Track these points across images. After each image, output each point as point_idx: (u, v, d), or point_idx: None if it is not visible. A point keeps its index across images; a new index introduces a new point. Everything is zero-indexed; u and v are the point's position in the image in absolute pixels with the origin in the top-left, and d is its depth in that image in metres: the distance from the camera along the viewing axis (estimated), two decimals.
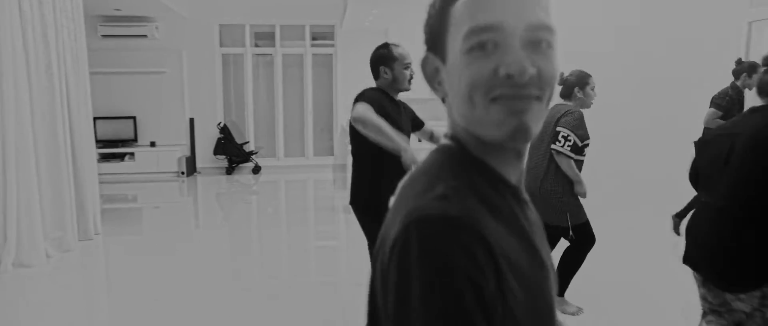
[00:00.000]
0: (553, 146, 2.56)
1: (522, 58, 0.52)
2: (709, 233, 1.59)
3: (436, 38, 0.59)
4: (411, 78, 2.23)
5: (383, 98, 2.18)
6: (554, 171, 2.60)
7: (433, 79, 0.62)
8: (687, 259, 1.71)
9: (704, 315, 1.70)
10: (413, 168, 0.62)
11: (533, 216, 0.62)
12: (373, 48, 2.32)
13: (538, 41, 0.53)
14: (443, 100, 0.63)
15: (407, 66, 2.23)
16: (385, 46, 2.25)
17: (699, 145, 1.74)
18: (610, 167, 4.85)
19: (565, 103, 2.73)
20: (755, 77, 3.33)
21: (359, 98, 2.14)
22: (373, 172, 2.21)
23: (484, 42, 0.53)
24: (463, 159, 0.58)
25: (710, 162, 1.63)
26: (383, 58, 2.22)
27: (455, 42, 0.55)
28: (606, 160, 4.56)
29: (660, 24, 5.33)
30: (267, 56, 8.48)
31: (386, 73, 2.21)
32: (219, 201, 6.59)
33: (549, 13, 0.54)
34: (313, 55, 8.46)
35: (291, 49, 8.46)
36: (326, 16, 8.25)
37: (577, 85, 2.68)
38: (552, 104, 2.63)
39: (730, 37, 5.63)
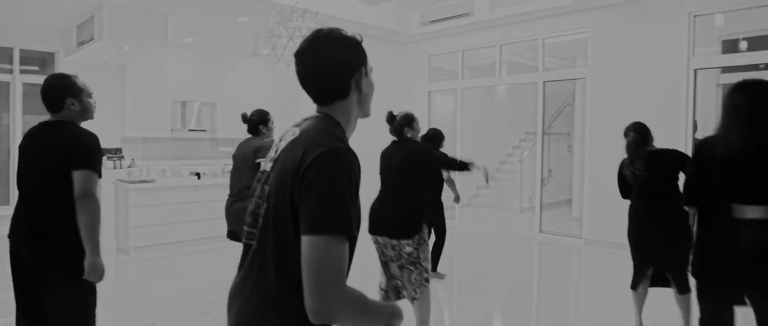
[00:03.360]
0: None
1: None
2: (390, 208, 3.02)
3: (361, 79, 1.22)
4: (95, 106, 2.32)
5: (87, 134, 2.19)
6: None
7: (358, 86, 1.22)
8: (372, 231, 3.03)
9: (384, 265, 3.08)
10: (304, 126, 1.17)
11: None
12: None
13: None
14: (340, 100, 1.21)
15: (91, 95, 2.27)
16: (66, 77, 2.23)
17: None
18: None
19: (253, 137, 3.65)
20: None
21: (84, 159, 2.08)
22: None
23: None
24: (336, 126, 1.18)
25: (384, 169, 3.14)
26: (68, 90, 2.19)
27: (366, 77, 1.22)
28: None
29: None
30: None
31: (74, 105, 2.20)
32: None
33: None
34: (25, 84, 7.57)
35: None
36: (44, 42, 7.61)
37: (260, 122, 3.74)
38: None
39: (418, 104, 8.29)
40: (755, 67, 6.23)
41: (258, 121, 3.62)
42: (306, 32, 4.65)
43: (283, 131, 1.25)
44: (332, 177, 1.03)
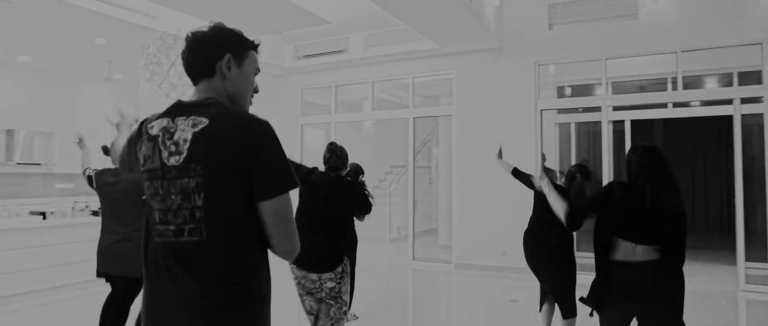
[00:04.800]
0: None
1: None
2: (312, 242, 2.83)
3: (212, 64, 1.41)
4: None
5: None
6: None
7: (222, 70, 1.43)
8: (298, 262, 2.94)
9: (301, 296, 3.00)
10: (211, 113, 1.32)
11: None
12: None
13: None
14: (207, 79, 1.41)
15: None
16: None
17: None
18: None
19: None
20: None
21: None
22: None
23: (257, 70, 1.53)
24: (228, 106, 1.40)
25: (310, 194, 3.07)
26: None
27: (250, 67, 1.48)
28: None
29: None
30: None
31: None
32: None
33: None
34: None
35: None
36: None
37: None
38: None
39: (291, 136, 8.36)
40: (575, 110, 7.62)
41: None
42: None
43: (163, 125, 1.33)
44: (278, 142, 1.30)
